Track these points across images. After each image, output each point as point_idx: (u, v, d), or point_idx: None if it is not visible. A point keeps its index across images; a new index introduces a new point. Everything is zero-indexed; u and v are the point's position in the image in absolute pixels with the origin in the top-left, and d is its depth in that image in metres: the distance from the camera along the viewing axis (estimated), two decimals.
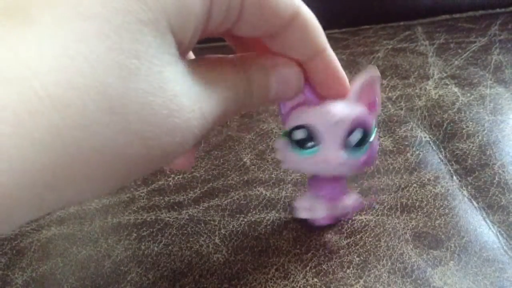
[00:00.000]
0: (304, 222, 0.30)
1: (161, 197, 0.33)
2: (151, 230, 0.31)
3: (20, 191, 0.13)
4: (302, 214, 0.29)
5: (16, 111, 0.13)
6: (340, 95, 0.24)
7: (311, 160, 0.25)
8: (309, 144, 0.24)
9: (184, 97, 0.17)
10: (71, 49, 0.14)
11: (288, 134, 0.25)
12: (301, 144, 0.25)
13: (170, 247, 0.29)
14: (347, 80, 0.24)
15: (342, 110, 0.24)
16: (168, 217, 0.32)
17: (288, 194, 0.33)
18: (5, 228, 0.14)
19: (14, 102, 0.13)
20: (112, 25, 0.14)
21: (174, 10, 0.16)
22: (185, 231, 0.30)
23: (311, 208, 0.29)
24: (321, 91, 0.24)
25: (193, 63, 0.19)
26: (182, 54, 0.18)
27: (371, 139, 0.25)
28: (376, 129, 0.26)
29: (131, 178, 0.18)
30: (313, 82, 0.24)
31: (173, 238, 0.30)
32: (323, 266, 0.27)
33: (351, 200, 0.28)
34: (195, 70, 0.19)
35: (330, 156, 0.24)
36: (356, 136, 0.24)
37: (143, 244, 0.30)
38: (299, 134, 0.24)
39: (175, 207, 0.32)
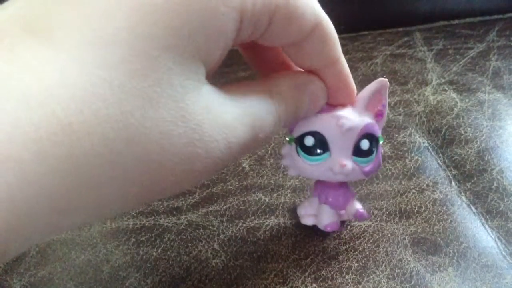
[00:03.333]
0: (306, 228, 0.30)
1: (160, 202, 0.33)
2: (150, 235, 0.31)
3: (37, 216, 0.13)
4: (308, 220, 0.29)
5: (38, 138, 0.13)
6: (347, 103, 0.24)
7: (319, 166, 0.25)
8: (318, 151, 0.25)
9: (207, 127, 0.17)
10: (94, 76, 0.14)
11: (296, 140, 0.25)
12: (309, 150, 0.25)
13: (168, 252, 0.29)
14: (355, 89, 0.24)
15: (352, 118, 0.24)
16: (167, 222, 0.32)
17: (287, 200, 0.33)
18: (20, 249, 0.14)
19: (37, 130, 0.13)
20: (136, 51, 0.14)
21: (202, 34, 0.16)
22: (184, 236, 0.30)
23: (317, 215, 0.29)
24: (330, 98, 0.24)
25: (226, 89, 0.19)
26: (209, 73, 0.18)
27: (377, 147, 0.25)
28: (382, 138, 0.26)
29: (145, 202, 0.18)
30: None
31: (171, 243, 0.30)
32: (322, 272, 0.27)
33: (356, 207, 0.28)
34: (225, 97, 0.18)
35: (338, 164, 0.24)
36: (365, 144, 0.24)
37: (142, 249, 0.30)
38: (308, 141, 0.25)
39: (174, 212, 0.32)
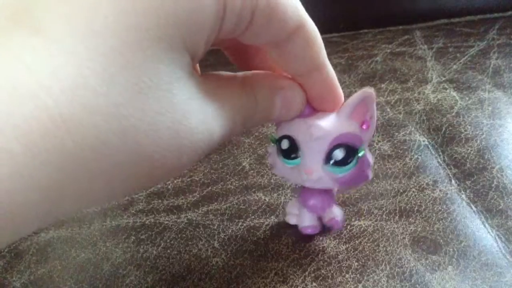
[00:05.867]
0: (295, 228, 0.30)
1: (160, 201, 0.33)
2: (150, 233, 0.31)
3: (28, 208, 0.13)
4: (291, 219, 0.30)
5: (29, 130, 0.13)
6: (333, 109, 0.24)
7: (293, 170, 0.25)
8: (292, 154, 0.25)
9: (192, 117, 0.17)
10: (84, 67, 0.14)
11: (276, 141, 0.25)
12: (286, 153, 0.25)
13: (169, 251, 0.29)
14: (342, 96, 0.24)
15: (326, 127, 0.23)
16: (167, 220, 0.32)
17: (286, 200, 0.33)
18: (10, 239, 0.14)
19: (27, 122, 0.13)
20: (125, 42, 0.14)
21: (188, 24, 0.16)
22: (184, 235, 0.30)
23: (299, 216, 0.29)
24: (314, 105, 0.24)
25: (204, 79, 0.19)
26: (194, 64, 0.18)
27: (357, 158, 0.24)
28: (363, 149, 0.25)
29: (133, 193, 0.18)
30: (308, 95, 0.24)
31: (172, 242, 0.30)
32: (322, 271, 0.27)
33: (335, 214, 0.28)
34: (206, 87, 0.18)
35: (307, 169, 0.24)
36: (338, 154, 0.24)
37: (142, 247, 0.30)
38: (284, 144, 0.25)
39: (174, 211, 0.32)
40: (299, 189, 0.28)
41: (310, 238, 0.29)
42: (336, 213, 0.28)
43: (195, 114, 0.17)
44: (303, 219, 0.29)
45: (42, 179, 0.13)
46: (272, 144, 0.26)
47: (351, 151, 0.24)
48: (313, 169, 0.24)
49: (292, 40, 0.20)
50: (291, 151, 0.25)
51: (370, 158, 0.25)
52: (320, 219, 0.29)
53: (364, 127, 0.24)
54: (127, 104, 0.14)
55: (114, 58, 0.14)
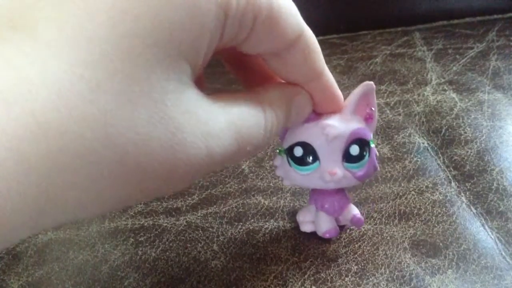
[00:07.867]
0: (295, 232, 0.30)
1: (159, 203, 0.33)
2: (149, 235, 0.31)
3: (14, 214, 0.13)
4: (306, 227, 0.29)
5: (15, 136, 0.12)
6: (334, 112, 0.24)
7: (310, 176, 0.25)
8: (308, 160, 0.25)
9: (188, 132, 0.16)
10: (72, 74, 0.13)
11: (286, 151, 0.25)
12: (299, 161, 0.25)
13: (167, 253, 0.29)
14: (342, 98, 0.24)
15: (339, 125, 0.24)
16: (166, 222, 0.32)
17: (286, 203, 0.32)
18: None
19: (14, 127, 0.12)
20: (117, 49, 0.14)
21: (185, 30, 0.15)
22: (183, 237, 0.30)
23: (315, 222, 0.29)
24: (317, 109, 0.24)
25: (213, 97, 0.18)
26: (195, 75, 0.17)
27: (369, 151, 0.25)
28: (373, 141, 0.26)
29: (126, 204, 0.17)
30: None
31: (170, 244, 0.30)
32: (322, 274, 0.27)
33: (352, 212, 0.28)
34: (213, 104, 0.18)
35: (329, 171, 0.25)
36: (354, 150, 0.24)
37: (141, 249, 0.30)
38: (297, 152, 0.25)
39: (173, 213, 0.32)
40: (312, 195, 0.28)
41: (310, 241, 0.29)
42: (354, 210, 0.28)
43: (191, 129, 0.16)
44: (320, 224, 0.28)
45: (27, 185, 0.13)
46: (280, 155, 0.26)
47: (364, 145, 0.25)
48: (336, 169, 0.25)
49: (293, 49, 0.20)
50: (306, 157, 0.25)
51: (375, 148, 0.26)
52: (336, 220, 0.29)
53: (368, 119, 0.25)
54: (115, 112, 0.14)
55: (103, 64, 0.14)
